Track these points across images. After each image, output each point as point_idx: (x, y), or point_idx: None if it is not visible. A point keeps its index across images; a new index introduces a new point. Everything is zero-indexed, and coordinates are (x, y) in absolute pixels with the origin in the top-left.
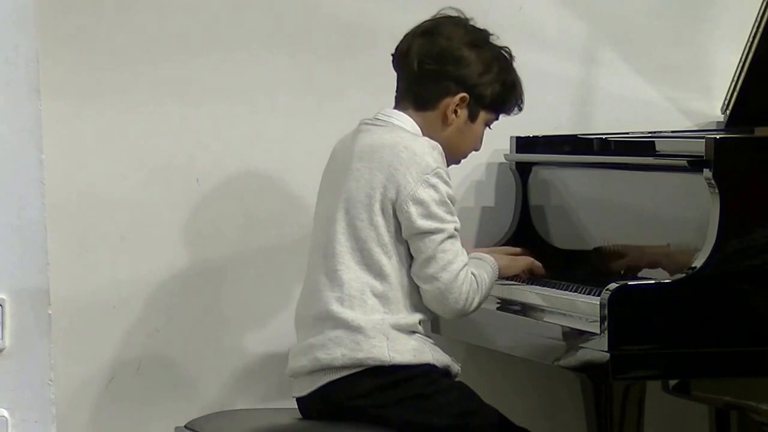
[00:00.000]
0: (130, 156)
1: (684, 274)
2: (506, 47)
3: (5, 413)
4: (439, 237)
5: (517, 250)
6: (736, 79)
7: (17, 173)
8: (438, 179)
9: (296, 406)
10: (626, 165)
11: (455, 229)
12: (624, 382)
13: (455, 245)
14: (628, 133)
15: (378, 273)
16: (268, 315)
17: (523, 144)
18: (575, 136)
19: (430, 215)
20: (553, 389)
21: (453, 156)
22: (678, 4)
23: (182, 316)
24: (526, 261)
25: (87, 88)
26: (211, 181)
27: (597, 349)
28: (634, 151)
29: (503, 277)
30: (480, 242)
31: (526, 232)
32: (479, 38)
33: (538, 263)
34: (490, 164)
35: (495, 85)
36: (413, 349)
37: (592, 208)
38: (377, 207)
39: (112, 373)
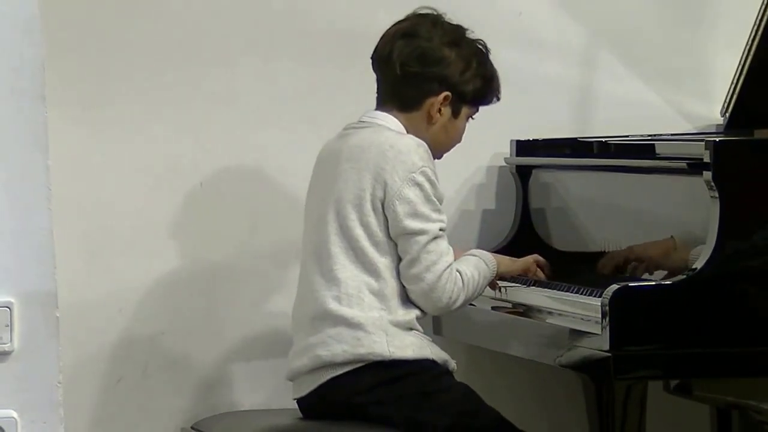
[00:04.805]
0: (134, 161)
1: (684, 276)
2: (481, 40)
3: (14, 414)
4: (423, 239)
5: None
6: (735, 81)
7: (24, 179)
8: (424, 178)
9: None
10: (626, 168)
11: (440, 229)
12: (626, 382)
13: (440, 245)
14: (628, 136)
15: (373, 271)
16: (272, 316)
17: (524, 147)
18: (575, 139)
19: (416, 214)
20: (554, 390)
21: (437, 152)
22: (677, 8)
23: (187, 318)
24: (526, 260)
25: (92, 94)
26: (215, 185)
27: (599, 350)
28: (634, 153)
29: (506, 276)
30: (481, 245)
31: (526, 235)
32: (457, 36)
33: (541, 259)
34: (491, 167)
35: (476, 80)
36: (412, 345)
37: (593, 210)
38: (368, 207)
39: (119, 375)
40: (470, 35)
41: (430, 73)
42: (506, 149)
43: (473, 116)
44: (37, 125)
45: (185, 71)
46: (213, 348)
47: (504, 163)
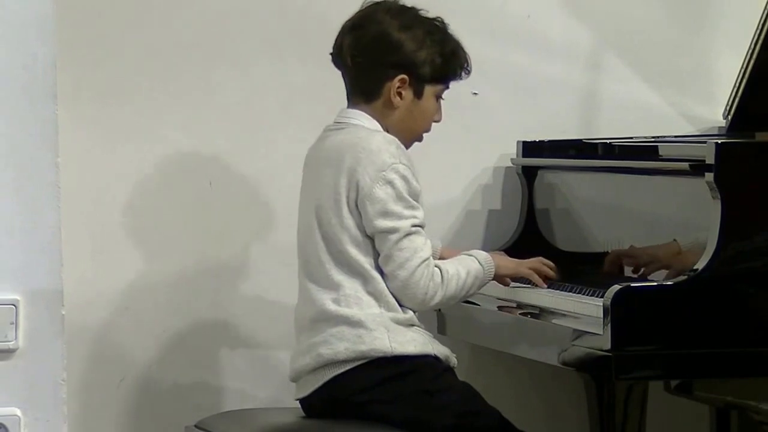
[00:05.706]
0: (143, 160)
1: (685, 276)
2: (438, 17)
3: (18, 412)
4: (395, 236)
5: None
6: (737, 84)
7: (33, 177)
8: (396, 175)
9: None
10: (630, 169)
11: (413, 225)
12: (626, 382)
13: (413, 242)
14: (631, 138)
15: (361, 272)
16: (278, 316)
17: (530, 148)
18: (580, 140)
19: (386, 213)
20: (555, 390)
21: (412, 136)
22: (681, 12)
23: (193, 317)
24: (530, 262)
25: (102, 94)
26: (224, 184)
27: (600, 350)
28: (637, 155)
29: (502, 275)
30: (486, 245)
31: (531, 235)
32: (408, 18)
33: (547, 263)
34: (497, 168)
35: (434, 58)
36: (414, 340)
37: (596, 211)
38: (345, 209)
39: (123, 373)
40: (425, 14)
41: (381, 60)
42: (512, 150)
43: (442, 95)
44: (48, 123)
45: (195, 71)
46: (217, 347)
47: (510, 164)
